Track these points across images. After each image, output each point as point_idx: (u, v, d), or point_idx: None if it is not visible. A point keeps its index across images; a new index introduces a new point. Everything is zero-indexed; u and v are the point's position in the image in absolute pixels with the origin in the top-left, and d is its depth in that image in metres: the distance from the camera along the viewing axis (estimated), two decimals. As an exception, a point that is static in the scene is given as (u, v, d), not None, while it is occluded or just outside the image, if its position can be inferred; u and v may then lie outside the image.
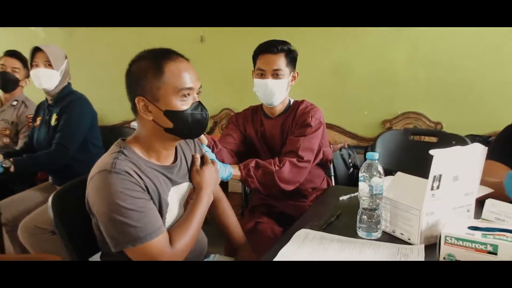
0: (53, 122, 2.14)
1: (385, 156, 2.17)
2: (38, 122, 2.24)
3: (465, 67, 2.64)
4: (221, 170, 1.47)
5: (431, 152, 1.05)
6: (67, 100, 2.15)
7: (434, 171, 1.07)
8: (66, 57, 2.18)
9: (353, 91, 2.89)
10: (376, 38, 2.76)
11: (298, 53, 1.72)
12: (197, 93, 1.16)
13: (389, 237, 1.19)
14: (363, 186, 1.16)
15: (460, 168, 1.12)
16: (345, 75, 2.88)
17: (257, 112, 1.84)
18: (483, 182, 1.34)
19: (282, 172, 1.57)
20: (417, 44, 2.71)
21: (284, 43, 1.68)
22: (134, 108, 1.13)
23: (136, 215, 1.02)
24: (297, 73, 1.74)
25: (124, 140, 1.17)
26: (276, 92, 1.68)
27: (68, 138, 2.07)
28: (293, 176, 1.60)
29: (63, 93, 2.17)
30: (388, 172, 2.01)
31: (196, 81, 1.14)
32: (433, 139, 2.20)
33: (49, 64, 2.07)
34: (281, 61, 1.65)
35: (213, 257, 1.44)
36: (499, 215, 1.14)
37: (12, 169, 1.94)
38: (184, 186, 1.24)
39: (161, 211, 1.13)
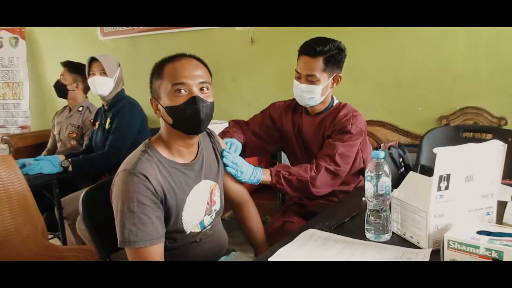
0: (107, 125, 2.33)
1: (432, 155, 2.02)
2: (96, 126, 2.46)
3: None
4: (248, 173, 1.47)
5: (435, 150, 0.99)
6: (119, 105, 2.33)
7: (439, 170, 1.00)
8: (119, 65, 2.36)
9: (407, 86, 2.74)
10: (432, 28, 2.58)
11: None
12: (201, 88, 1.17)
13: (399, 240, 1.13)
14: (368, 186, 1.12)
15: (474, 167, 1.04)
16: (398, 69, 2.74)
17: (299, 105, 1.77)
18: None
19: (317, 179, 1.54)
20: (478, 33, 2.50)
21: (325, 43, 1.59)
22: None
23: (137, 220, 1.09)
24: (340, 76, 1.66)
25: (150, 140, 1.25)
26: (309, 96, 1.64)
27: (120, 140, 2.24)
28: (328, 183, 1.57)
29: (116, 98, 2.36)
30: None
31: (195, 76, 1.15)
32: (489, 136, 2.03)
33: (104, 73, 2.27)
34: (317, 66, 1.59)
35: (233, 255, 1.47)
36: (521, 219, 1.03)
37: (70, 168, 2.16)
38: (206, 185, 1.29)
39: (178, 210, 1.20)
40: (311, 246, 1.11)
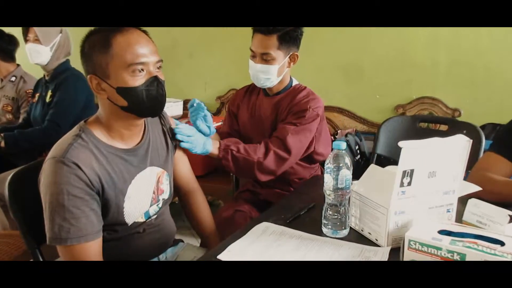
0: (47, 98, 2.12)
1: (388, 145, 2.01)
2: (36, 98, 2.24)
3: (490, 50, 2.41)
4: (197, 144, 1.34)
5: (400, 144, 0.93)
6: (62, 77, 2.12)
7: (403, 165, 0.94)
8: (61, 32, 2.13)
9: (367, 73, 2.70)
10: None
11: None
12: (158, 68, 1.07)
13: (357, 236, 1.07)
14: (327, 178, 1.04)
15: (438, 162, 0.99)
16: (359, 56, 2.70)
17: (257, 87, 1.67)
18: (488, 181, 1.20)
19: (263, 164, 1.46)
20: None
21: None
22: (90, 87, 1.06)
23: (68, 214, 0.96)
24: (297, 55, 1.57)
25: (86, 122, 1.10)
26: (265, 77, 1.55)
27: (61, 115, 2.05)
28: (274, 169, 1.49)
29: (59, 69, 2.15)
30: (392, 162, 1.87)
31: (151, 54, 1.04)
32: (444, 127, 2.03)
33: (37, 39, 2.04)
34: (272, 44, 1.50)
35: (182, 246, 1.36)
36: (481, 218, 1.00)
37: (2, 144, 1.95)
38: (152, 172, 1.16)
39: (118, 201, 1.07)
40: (264, 242, 1.03)
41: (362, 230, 1.07)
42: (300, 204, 1.26)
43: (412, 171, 0.95)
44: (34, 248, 1.17)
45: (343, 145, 1.04)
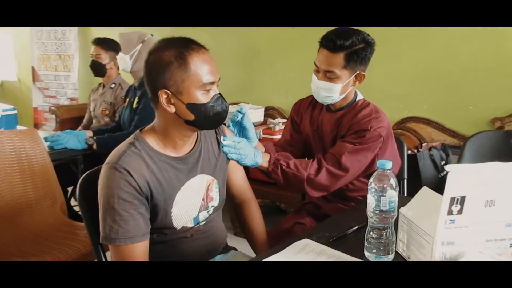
0: (134, 104, 2.31)
1: (475, 163, 1.82)
2: (126, 103, 2.45)
3: None
4: (247, 155, 1.34)
5: (447, 168, 0.83)
6: (148, 85, 2.29)
7: (451, 191, 0.84)
8: (143, 42, 2.29)
9: (457, 80, 2.47)
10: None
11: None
12: (217, 85, 1.13)
13: (403, 264, 0.99)
14: (370, 199, 0.98)
15: (497, 190, 0.86)
16: (448, 61, 2.48)
17: None
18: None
19: (314, 180, 1.41)
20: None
21: (348, 36, 1.38)
22: (155, 100, 1.10)
23: (117, 217, 1.04)
24: (364, 75, 1.46)
25: (142, 130, 1.18)
26: (326, 94, 1.47)
27: (143, 122, 2.16)
28: (327, 184, 1.42)
29: (146, 77, 2.32)
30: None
31: (217, 73, 1.10)
32: (545, 146, 1.78)
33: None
34: (337, 62, 1.40)
35: (233, 254, 1.38)
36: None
37: (94, 146, 2.17)
38: (202, 179, 1.21)
39: (166, 207, 1.13)
40: (299, 260, 1.00)
41: (409, 258, 0.99)
42: (352, 223, 1.20)
43: (463, 198, 0.85)
44: (96, 244, 1.27)
45: (389, 164, 0.96)
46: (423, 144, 2.51)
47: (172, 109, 1.08)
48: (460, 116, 2.50)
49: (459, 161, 1.87)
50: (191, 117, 1.08)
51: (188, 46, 1.08)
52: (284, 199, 2.53)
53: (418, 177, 2.18)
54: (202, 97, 1.08)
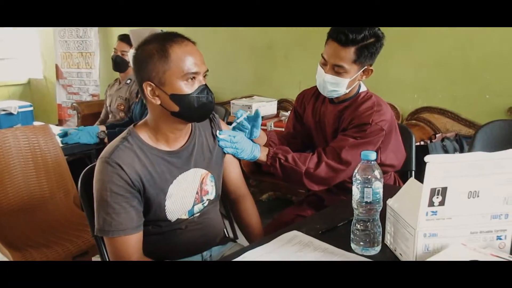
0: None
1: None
2: (138, 98, 2.50)
3: None
4: (244, 149, 1.35)
5: (426, 158, 0.81)
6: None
7: (431, 182, 0.83)
8: None
9: (474, 69, 2.39)
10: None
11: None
12: (204, 76, 1.13)
13: (390, 256, 0.98)
14: (355, 191, 0.97)
15: (480, 181, 0.84)
16: (466, 49, 2.40)
17: None
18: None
19: (313, 174, 1.40)
20: None
21: (361, 30, 1.34)
22: (143, 93, 1.13)
23: (110, 209, 1.07)
24: (371, 69, 1.44)
25: (135, 125, 1.21)
26: (332, 88, 1.45)
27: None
28: (325, 180, 1.42)
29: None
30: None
31: (202, 64, 1.11)
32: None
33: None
34: (347, 57, 1.37)
35: (230, 245, 1.39)
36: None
37: (106, 140, 2.22)
38: (196, 173, 1.22)
39: (159, 200, 1.15)
40: (284, 252, 1.00)
41: (395, 250, 0.97)
42: (345, 215, 1.19)
43: (444, 189, 0.83)
44: (96, 236, 1.31)
45: (373, 155, 0.95)
46: (437, 135, 2.46)
47: (157, 101, 1.10)
48: (476, 106, 2.42)
49: (469, 150, 1.82)
50: (176, 108, 1.10)
51: (170, 39, 1.10)
52: (295, 191, 2.52)
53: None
54: (185, 88, 1.09)
